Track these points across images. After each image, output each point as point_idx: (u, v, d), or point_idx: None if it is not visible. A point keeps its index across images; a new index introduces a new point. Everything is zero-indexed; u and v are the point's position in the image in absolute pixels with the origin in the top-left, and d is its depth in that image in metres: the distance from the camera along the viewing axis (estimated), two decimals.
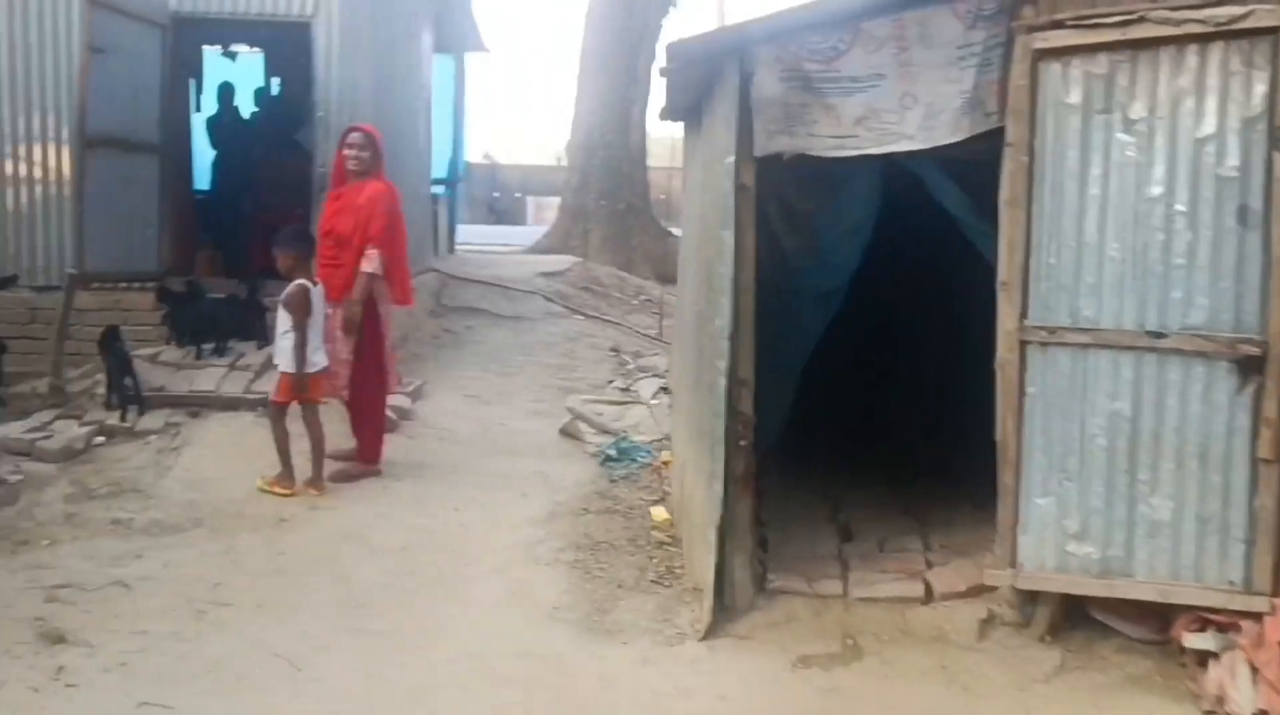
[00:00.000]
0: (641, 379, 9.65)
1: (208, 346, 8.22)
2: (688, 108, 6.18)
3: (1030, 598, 4.60)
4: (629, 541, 5.86)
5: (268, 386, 6.86)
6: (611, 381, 9.60)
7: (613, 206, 16.36)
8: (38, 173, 8.62)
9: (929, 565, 5.08)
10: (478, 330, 10.94)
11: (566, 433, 8.06)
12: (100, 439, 7.08)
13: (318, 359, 6.49)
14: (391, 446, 7.20)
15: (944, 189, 4.83)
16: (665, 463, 7.19)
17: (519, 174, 30.17)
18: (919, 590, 4.85)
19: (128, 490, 6.36)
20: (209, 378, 7.81)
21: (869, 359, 7.64)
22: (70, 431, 7.01)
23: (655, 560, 5.60)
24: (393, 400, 7.53)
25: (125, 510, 6.06)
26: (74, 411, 7.40)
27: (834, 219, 4.93)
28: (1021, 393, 4.49)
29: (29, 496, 6.18)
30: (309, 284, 6.41)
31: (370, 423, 6.91)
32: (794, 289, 5.00)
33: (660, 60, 16.70)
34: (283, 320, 6.43)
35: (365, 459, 6.88)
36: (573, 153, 16.91)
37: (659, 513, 6.31)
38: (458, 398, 8.84)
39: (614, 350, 10.71)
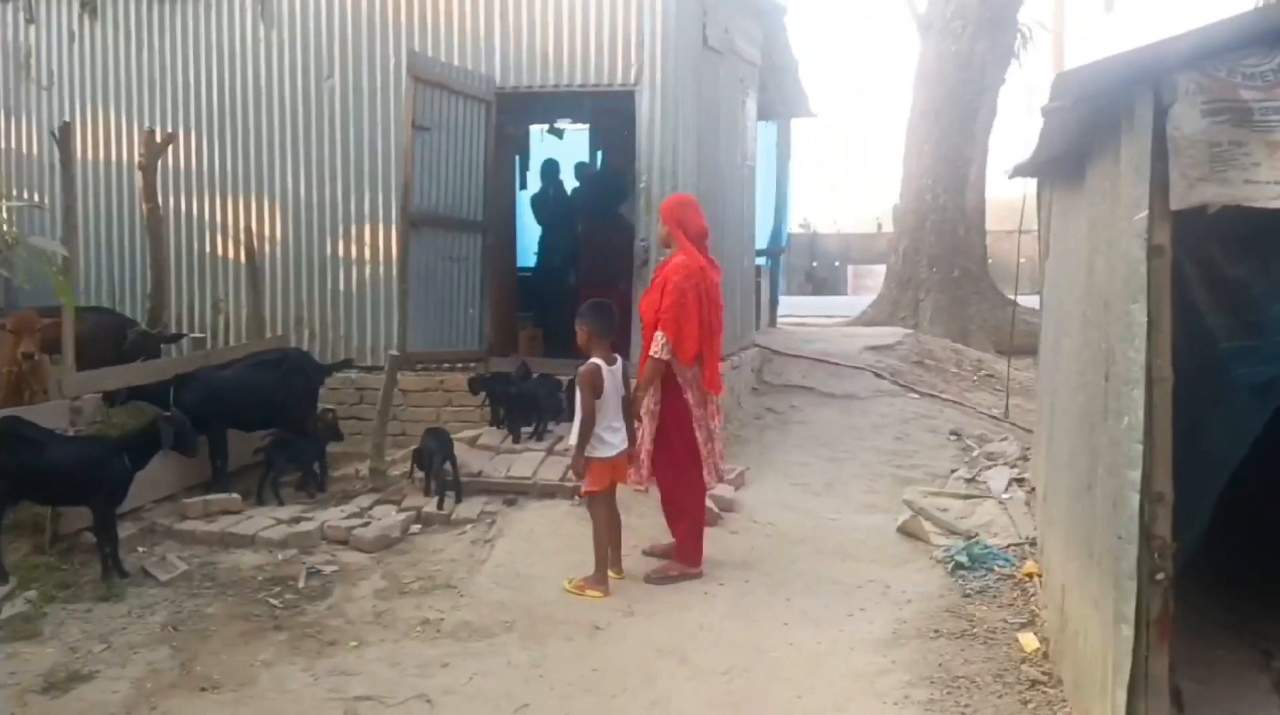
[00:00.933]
0: (989, 468, 8.55)
1: (526, 429, 7.93)
2: (1062, 157, 5.21)
3: None
4: (994, 677, 4.87)
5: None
6: (955, 471, 8.55)
7: (947, 273, 15.21)
8: (367, 253, 8.73)
9: None
10: (803, 410, 10.18)
11: (906, 531, 7.11)
12: (416, 527, 6.85)
13: (614, 440, 5.96)
14: (713, 542, 6.54)
15: None
16: (1030, 575, 6.12)
17: (837, 242, 29.29)
18: None
19: (440, 585, 6.01)
20: (526, 463, 7.46)
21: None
22: (387, 519, 6.80)
23: (1031, 705, 4.60)
24: (715, 489, 6.87)
25: (435, 609, 5.69)
26: (393, 496, 7.23)
27: (1278, 288, 3.83)
28: None
29: (342, 590, 5.94)
30: (601, 363, 5.92)
31: (684, 519, 6.30)
32: (1222, 377, 3.91)
33: (1002, 115, 15.69)
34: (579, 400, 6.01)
35: (682, 559, 6.25)
36: (901, 217, 15.91)
37: (1029, 641, 5.26)
38: (784, 486, 8.09)
39: (955, 434, 9.63)
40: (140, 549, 6.48)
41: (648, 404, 6.19)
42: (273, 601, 5.80)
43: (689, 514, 6.31)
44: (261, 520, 6.81)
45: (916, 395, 10.84)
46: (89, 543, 6.22)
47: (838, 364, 11.29)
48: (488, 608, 5.72)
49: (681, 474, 6.27)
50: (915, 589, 6.07)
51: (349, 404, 8.49)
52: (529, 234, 11.50)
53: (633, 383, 6.28)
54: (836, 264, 28.86)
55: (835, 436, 9.46)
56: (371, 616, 5.63)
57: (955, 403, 10.81)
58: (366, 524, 6.71)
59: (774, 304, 13.92)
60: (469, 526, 6.83)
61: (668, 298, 6.10)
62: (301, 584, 6.00)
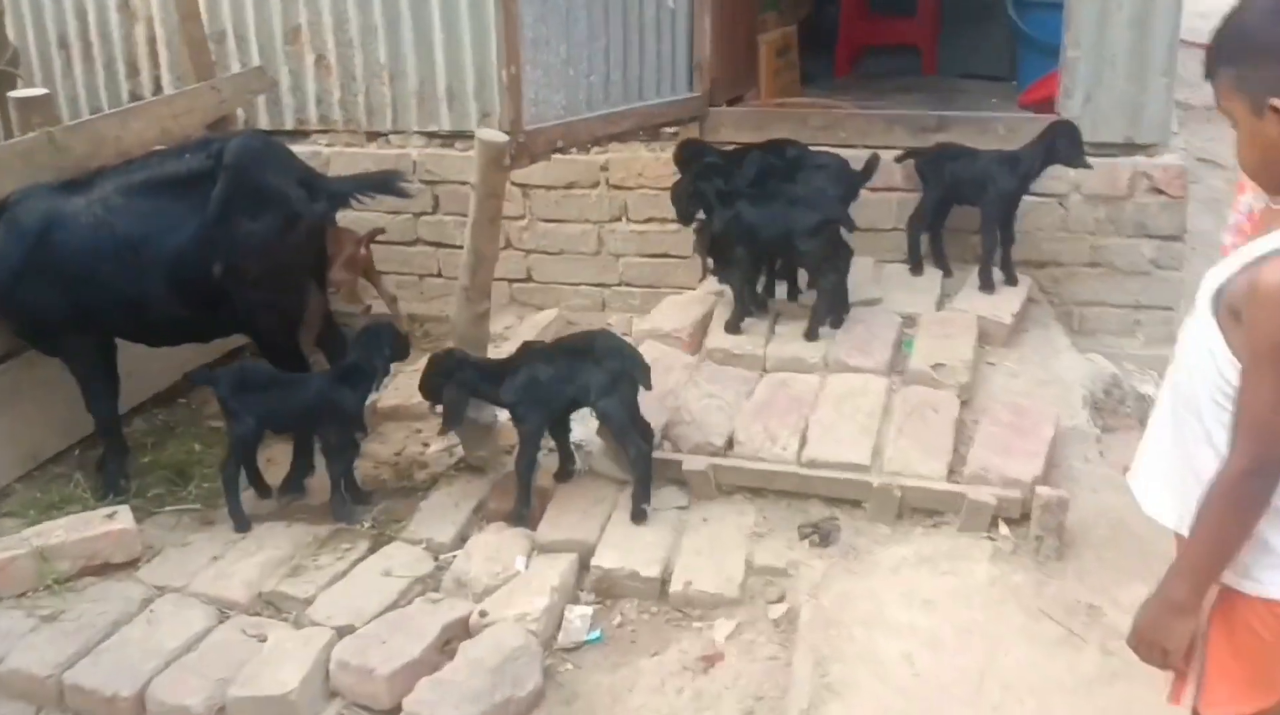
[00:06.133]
0: None
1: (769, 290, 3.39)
2: None
3: None
4: None
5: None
6: None
7: None
8: None
9: None
10: None
11: None
12: (575, 618, 2.53)
13: None
14: None
15: None
16: None
17: None
18: None
19: None
20: (847, 420, 2.94)
21: None
22: (500, 598, 2.47)
23: None
24: None
25: None
26: (510, 492, 2.88)
27: None
28: None
29: None
30: None
31: None
32: None
33: None
34: None
35: None
36: None
37: None
38: None
39: None
40: None
41: None
42: None
43: None
44: (176, 616, 2.57)
45: None
46: None
47: None
48: None
49: None
50: None
51: (415, 214, 4.00)
52: None
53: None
54: None
55: None
56: None
57: None
58: (452, 648, 2.39)
59: None
60: (719, 632, 2.46)
61: None
62: None
